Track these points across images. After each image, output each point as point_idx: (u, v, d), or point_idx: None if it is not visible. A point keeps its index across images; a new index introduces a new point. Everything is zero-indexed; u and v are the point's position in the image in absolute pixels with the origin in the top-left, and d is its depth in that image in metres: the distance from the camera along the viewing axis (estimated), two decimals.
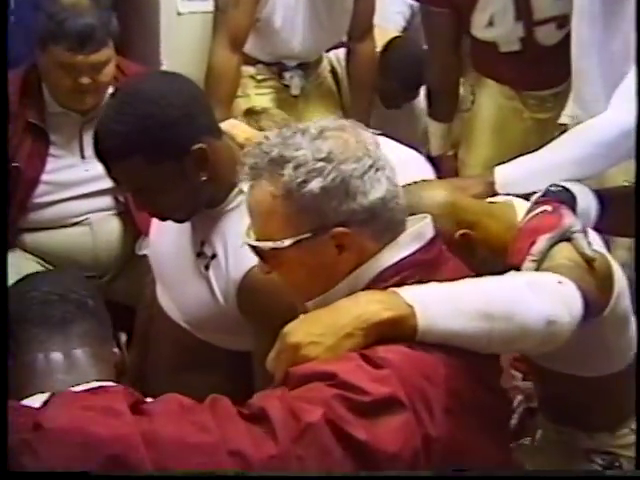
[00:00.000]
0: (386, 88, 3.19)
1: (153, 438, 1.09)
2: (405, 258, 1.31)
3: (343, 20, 2.99)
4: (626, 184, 2.03)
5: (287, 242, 1.29)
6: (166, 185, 1.60)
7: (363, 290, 1.29)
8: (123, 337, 1.35)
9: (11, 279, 2.34)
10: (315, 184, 1.26)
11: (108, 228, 2.48)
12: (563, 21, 2.60)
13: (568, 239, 1.49)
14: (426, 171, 1.94)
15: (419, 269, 1.31)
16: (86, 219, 2.45)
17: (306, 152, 1.27)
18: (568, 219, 1.52)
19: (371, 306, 1.23)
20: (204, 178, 1.61)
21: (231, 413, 1.16)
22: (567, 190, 1.61)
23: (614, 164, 1.83)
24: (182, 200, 1.63)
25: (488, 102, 2.83)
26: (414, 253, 1.32)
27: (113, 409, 1.12)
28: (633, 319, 1.64)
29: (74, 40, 2.23)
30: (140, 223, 2.40)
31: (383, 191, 1.29)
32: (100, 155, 1.61)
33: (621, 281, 1.57)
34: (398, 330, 1.23)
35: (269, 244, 1.31)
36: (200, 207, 1.68)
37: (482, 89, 2.86)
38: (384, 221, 1.30)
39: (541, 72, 2.74)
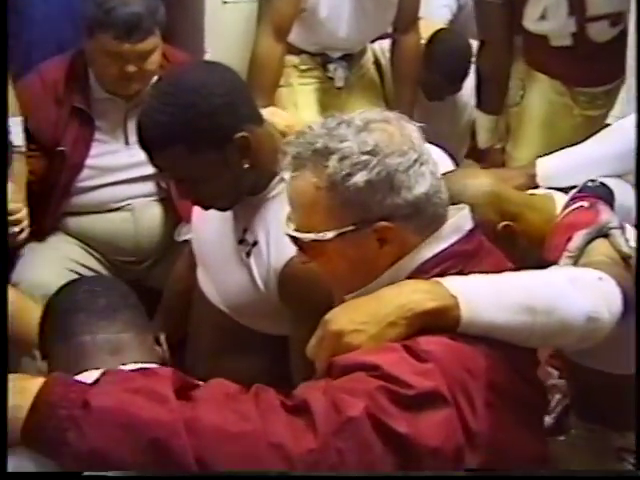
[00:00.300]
0: (429, 80, 3.17)
1: (195, 425, 1.10)
2: (445, 249, 1.31)
3: (388, 11, 2.98)
4: None
5: (329, 234, 1.29)
6: (208, 174, 1.60)
7: None
8: (162, 336, 1.38)
9: (55, 262, 2.41)
10: (360, 177, 1.25)
11: (150, 214, 2.49)
12: (617, 18, 2.57)
13: (605, 235, 1.48)
14: (449, 167, 1.94)
15: (459, 260, 1.31)
16: (128, 204, 2.47)
17: (351, 144, 1.26)
18: (605, 215, 1.51)
19: (415, 295, 1.23)
20: (246, 166, 1.61)
21: (274, 404, 1.16)
22: (604, 185, 1.60)
23: None
24: (224, 188, 1.64)
25: (538, 97, 2.81)
26: (454, 244, 1.31)
27: (159, 394, 1.13)
28: None
29: (121, 29, 2.24)
30: (181, 210, 2.41)
31: (427, 186, 1.29)
32: (143, 144, 1.62)
33: None
34: (441, 320, 1.22)
35: (311, 236, 1.31)
36: (242, 195, 1.68)
37: (532, 84, 2.84)
38: (427, 216, 1.29)
39: (592, 68, 2.71)
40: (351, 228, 1.28)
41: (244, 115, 1.61)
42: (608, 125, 2.52)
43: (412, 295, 1.23)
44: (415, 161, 1.28)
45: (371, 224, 1.27)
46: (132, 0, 2.27)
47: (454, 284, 1.24)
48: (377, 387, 1.16)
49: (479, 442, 1.19)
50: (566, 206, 1.56)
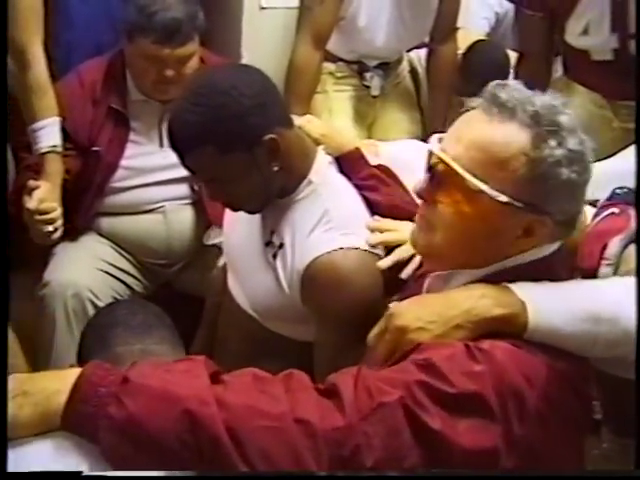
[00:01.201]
0: (465, 91, 3.16)
1: (225, 401, 1.13)
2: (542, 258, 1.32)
3: (427, 21, 2.97)
4: None
5: (503, 198, 1.25)
6: (238, 175, 1.61)
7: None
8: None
9: (86, 261, 2.42)
10: (565, 172, 1.24)
11: (181, 217, 2.50)
12: None
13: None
14: None
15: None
16: (161, 207, 2.47)
17: (570, 139, 1.25)
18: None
19: (483, 300, 1.25)
20: (276, 168, 1.62)
21: (305, 385, 1.19)
22: (633, 192, 1.59)
23: None
24: (254, 190, 1.64)
25: (578, 109, 2.77)
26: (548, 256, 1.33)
27: (193, 372, 1.16)
28: None
29: (161, 34, 2.25)
30: (211, 214, 2.42)
31: (582, 205, 1.32)
32: (174, 145, 1.63)
33: None
34: (508, 326, 1.24)
35: (484, 187, 1.25)
36: (271, 198, 1.69)
37: (572, 96, 2.81)
38: (569, 230, 1.31)
39: (630, 83, 2.68)
40: (521, 206, 1.25)
41: (274, 117, 1.62)
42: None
43: (480, 300, 1.25)
44: (587, 180, 1.30)
45: (537, 213, 1.26)
46: (173, 6, 2.28)
47: (524, 290, 1.26)
48: (416, 381, 1.17)
49: (520, 448, 1.20)
50: (596, 214, 1.56)
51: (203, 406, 1.12)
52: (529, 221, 1.27)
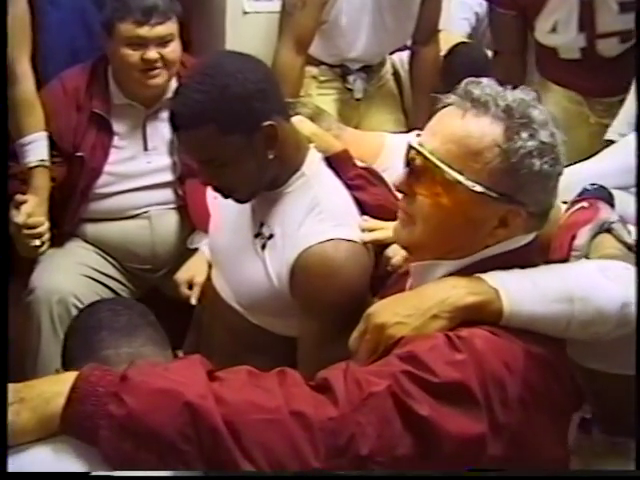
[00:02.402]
0: (446, 93, 3.17)
1: (222, 397, 1.14)
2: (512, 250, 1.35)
3: (408, 23, 2.99)
4: None
5: (478, 188, 1.29)
6: (235, 158, 1.63)
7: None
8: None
9: (71, 268, 2.42)
10: (538, 163, 1.28)
11: (166, 222, 2.51)
12: (627, 36, 2.57)
13: (607, 230, 1.51)
14: None
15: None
16: (146, 212, 2.48)
17: (542, 131, 1.29)
18: (605, 212, 1.55)
19: (456, 290, 1.28)
20: (271, 156, 1.64)
21: (298, 381, 1.20)
22: (603, 188, 1.64)
23: None
24: (247, 176, 1.66)
25: (553, 106, 2.80)
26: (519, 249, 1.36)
27: (191, 369, 1.18)
28: None
29: (139, 13, 2.32)
30: (195, 218, 2.43)
31: (555, 197, 1.34)
32: (175, 123, 1.65)
33: None
34: (483, 314, 1.27)
35: (460, 177, 1.29)
36: (262, 187, 1.71)
37: (547, 93, 2.85)
38: (542, 222, 1.34)
39: (600, 81, 2.72)
40: (496, 196, 1.29)
41: (274, 106, 1.65)
42: (612, 141, 2.54)
43: (453, 290, 1.28)
44: (559, 175, 1.33)
45: (511, 203, 1.29)
46: None
47: (495, 278, 1.29)
48: (402, 371, 1.19)
49: (505, 434, 1.22)
50: (567, 209, 1.60)
51: (202, 400, 1.13)
52: (504, 211, 1.30)
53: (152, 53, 2.34)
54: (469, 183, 1.29)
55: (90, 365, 1.19)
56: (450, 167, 1.30)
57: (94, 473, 1.12)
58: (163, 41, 2.36)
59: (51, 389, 1.15)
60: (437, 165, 1.30)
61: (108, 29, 2.35)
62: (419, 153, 1.33)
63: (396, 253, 1.69)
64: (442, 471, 1.21)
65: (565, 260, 1.48)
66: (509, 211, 1.30)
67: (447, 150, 1.30)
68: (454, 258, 1.34)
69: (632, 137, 1.90)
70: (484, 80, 1.33)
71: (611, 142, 2.45)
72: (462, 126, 1.30)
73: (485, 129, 1.29)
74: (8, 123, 2.25)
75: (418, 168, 1.33)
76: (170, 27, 2.37)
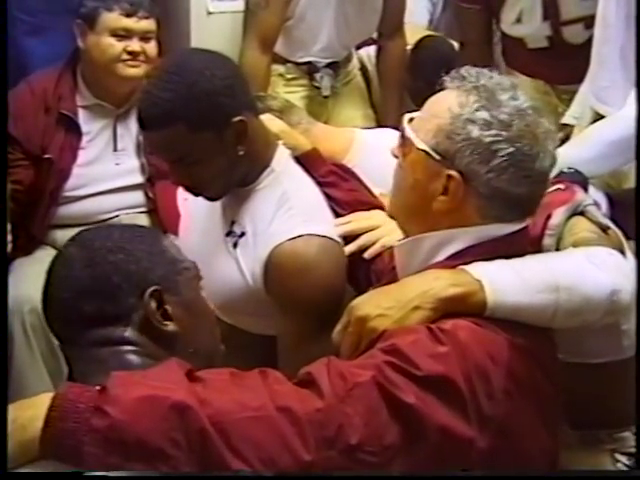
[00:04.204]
0: (414, 87, 3.18)
1: (206, 399, 1.12)
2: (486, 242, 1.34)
3: (372, 18, 2.99)
4: None
5: (420, 144, 1.34)
6: (205, 155, 1.62)
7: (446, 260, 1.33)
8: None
9: (42, 276, 2.37)
10: (476, 132, 1.29)
11: None
12: (591, 21, 2.58)
13: (581, 213, 1.53)
14: None
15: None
16: (116, 216, 2.48)
17: (503, 109, 1.31)
18: (580, 194, 1.57)
19: (438, 282, 1.28)
20: (241, 152, 1.63)
21: (280, 379, 1.19)
22: (579, 173, 1.67)
23: (631, 160, 1.84)
24: (218, 172, 1.65)
25: None
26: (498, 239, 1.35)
27: (170, 373, 1.15)
28: None
29: (127, 4, 2.40)
30: (164, 220, 2.42)
31: (518, 192, 1.31)
32: (143, 123, 1.63)
33: (631, 258, 1.57)
34: (467, 305, 1.27)
35: (410, 133, 1.36)
36: (233, 184, 1.69)
37: None
38: (500, 209, 1.32)
39: (569, 68, 2.74)
40: (436, 156, 1.32)
41: (243, 101, 1.64)
42: (568, 125, 2.56)
43: (435, 281, 1.28)
44: (527, 167, 1.31)
45: (450, 168, 1.31)
46: None
47: (478, 269, 1.29)
48: (386, 361, 1.19)
49: (491, 426, 1.22)
50: None
51: (187, 402, 1.11)
52: (443, 175, 1.32)
53: (136, 45, 2.40)
54: (416, 140, 1.34)
55: (66, 383, 1.15)
56: (411, 129, 1.37)
57: (94, 473, 1.10)
58: (146, 36, 2.42)
59: (26, 414, 1.11)
60: (403, 125, 1.39)
61: (91, 19, 2.39)
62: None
63: (370, 240, 1.69)
64: (442, 471, 1.21)
65: (539, 239, 1.49)
66: (449, 177, 1.31)
67: (418, 117, 1.39)
68: (420, 231, 1.35)
69: (597, 125, 1.95)
70: (478, 70, 1.36)
71: (567, 126, 2.49)
72: (436, 97, 1.38)
73: (449, 98, 1.34)
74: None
75: (402, 137, 1.40)
76: (152, 24, 2.45)
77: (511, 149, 1.29)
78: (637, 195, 1.65)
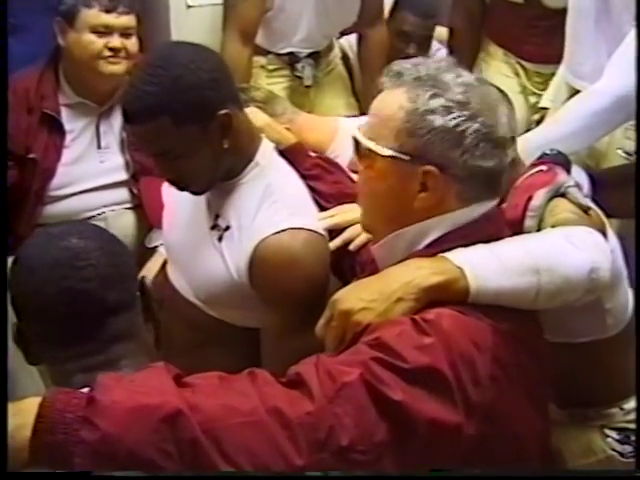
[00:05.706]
0: (400, 22, 3.13)
1: (196, 405, 1.12)
2: (468, 226, 1.34)
3: (352, 7, 2.98)
4: (620, 152, 2.13)
5: (386, 152, 1.32)
6: (190, 149, 1.62)
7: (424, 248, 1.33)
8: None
9: None
10: (439, 120, 1.28)
11: (123, 223, 2.48)
12: None
13: (563, 195, 1.54)
14: None
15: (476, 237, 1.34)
16: (102, 213, 2.47)
17: (455, 89, 1.30)
18: (562, 176, 1.57)
19: (420, 271, 1.27)
20: (226, 146, 1.63)
21: (269, 380, 1.19)
22: (561, 154, 1.67)
23: (613, 129, 1.90)
24: (204, 166, 1.65)
25: (494, 77, 2.85)
26: (478, 220, 1.35)
27: (157, 379, 1.15)
28: (627, 286, 1.67)
29: (106, 0, 2.39)
30: (151, 216, 2.42)
31: (492, 165, 1.31)
32: (128, 117, 1.63)
33: (613, 238, 1.58)
34: (450, 293, 1.27)
35: (370, 144, 1.33)
36: (218, 178, 1.69)
37: (489, 63, 2.90)
38: (476, 189, 1.32)
39: (538, 44, 2.79)
40: (405, 157, 1.30)
41: (228, 94, 1.64)
42: (544, 108, 2.58)
43: (417, 271, 1.28)
44: (491, 140, 1.30)
45: (423, 164, 1.30)
46: None
47: (458, 256, 1.28)
48: (372, 357, 1.19)
49: (479, 412, 1.22)
50: (525, 172, 1.61)
51: (177, 411, 1.10)
52: (418, 173, 1.30)
53: (117, 41, 2.39)
54: (378, 148, 1.32)
55: (53, 389, 1.15)
56: (367, 138, 1.34)
57: (94, 473, 1.10)
58: (127, 32, 2.41)
59: (14, 421, 1.11)
60: (357, 138, 1.36)
61: (70, 17, 2.39)
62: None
63: (355, 233, 1.69)
64: (442, 471, 1.21)
65: (520, 221, 1.49)
66: (425, 173, 1.30)
67: (368, 124, 1.36)
68: (393, 230, 1.35)
69: (577, 99, 1.96)
70: (418, 65, 1.34)
71: (545, 109, 2.51)
72: (380, 99, 1.35)
73: (396, 97, 1.32)
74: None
75: (356, 147, 1.38)
76: (132, 20, 2.43)
77: (476, 125, 1.29)
78: (637, 190, 1.65)
